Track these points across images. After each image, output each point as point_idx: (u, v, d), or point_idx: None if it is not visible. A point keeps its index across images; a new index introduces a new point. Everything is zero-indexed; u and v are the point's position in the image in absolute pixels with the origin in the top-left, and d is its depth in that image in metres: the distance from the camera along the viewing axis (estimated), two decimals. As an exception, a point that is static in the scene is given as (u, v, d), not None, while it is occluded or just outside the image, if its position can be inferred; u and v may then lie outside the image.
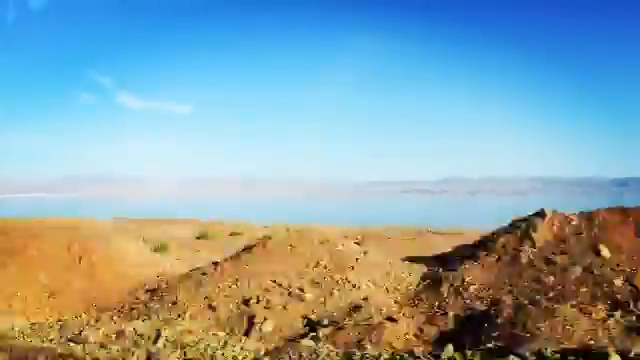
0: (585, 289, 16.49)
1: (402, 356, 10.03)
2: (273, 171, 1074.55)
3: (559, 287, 17.16)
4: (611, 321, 13.05)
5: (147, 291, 21.52)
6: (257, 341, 14.64)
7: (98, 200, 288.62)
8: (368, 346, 12.77)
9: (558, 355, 8.80)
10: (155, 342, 13.31)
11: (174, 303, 18.54)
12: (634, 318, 13.39)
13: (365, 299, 18.09)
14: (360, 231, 44.03)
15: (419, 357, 10.09)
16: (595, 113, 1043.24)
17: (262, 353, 12.52)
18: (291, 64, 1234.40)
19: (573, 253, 19.44)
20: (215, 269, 21.99)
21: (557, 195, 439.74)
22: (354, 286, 19.38)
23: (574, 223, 21.60)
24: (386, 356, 10.34)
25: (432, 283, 19.91)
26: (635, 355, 8.63)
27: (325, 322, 15.88)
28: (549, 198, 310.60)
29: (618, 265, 17.81)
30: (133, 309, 19.02)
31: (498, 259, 20.63)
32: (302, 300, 18.34)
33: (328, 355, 11.36)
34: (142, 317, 17.32)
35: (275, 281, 19.57)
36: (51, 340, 13.77)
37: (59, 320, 17.79)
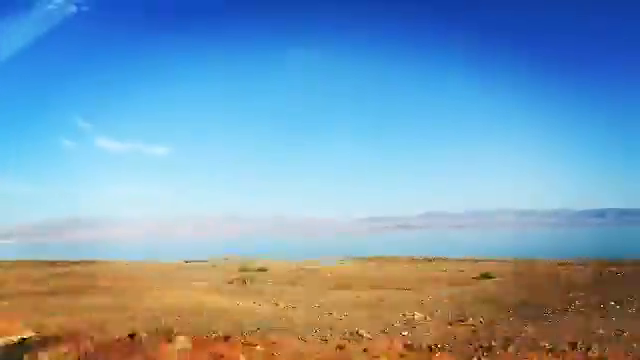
0: None
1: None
2: (254, 209, 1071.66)
3: None
4: None
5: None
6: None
7: (82, 244, 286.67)
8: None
9: None
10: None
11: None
12: None
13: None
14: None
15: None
16: (565, 146, 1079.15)
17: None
18: (270, 105, 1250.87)
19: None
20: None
21: (534, 227, 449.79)
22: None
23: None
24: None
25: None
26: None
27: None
28: (529, 230, 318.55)
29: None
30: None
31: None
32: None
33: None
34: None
35: None
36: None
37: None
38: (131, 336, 11.81)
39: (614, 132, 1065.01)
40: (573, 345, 11.75)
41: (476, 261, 46.03)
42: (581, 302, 18.03)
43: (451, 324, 15.66)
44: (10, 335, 12.59)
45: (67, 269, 41.15)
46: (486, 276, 30.19)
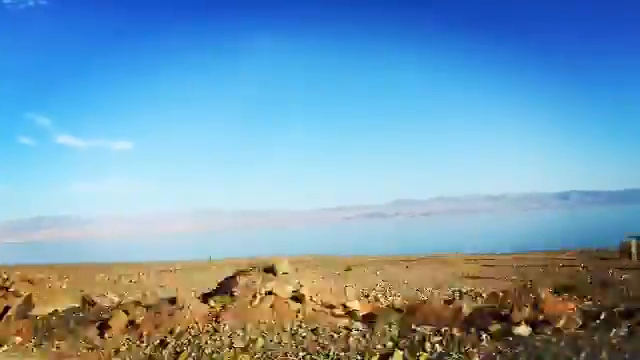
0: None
1: None
2: (225, 203, 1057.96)
3: None
4: None
5: None
6: None
7: (46, 245, 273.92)
8: None
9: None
10: None
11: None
12: None
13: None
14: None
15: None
16: (535, 127, 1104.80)
17: None
18: (233, 97, 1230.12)
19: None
20: None
21: (507, 212, 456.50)
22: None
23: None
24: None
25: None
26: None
27: None
28: (501, 216, 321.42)
29: None
30: None
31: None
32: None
33: None
34: None
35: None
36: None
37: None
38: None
39: (583, 117, 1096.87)
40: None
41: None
42: None
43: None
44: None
45: None
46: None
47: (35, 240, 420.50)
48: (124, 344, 9.76)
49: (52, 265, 44.89)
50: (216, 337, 9.38)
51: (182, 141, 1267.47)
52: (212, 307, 10.75)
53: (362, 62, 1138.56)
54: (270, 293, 11.03)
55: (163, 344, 9.38)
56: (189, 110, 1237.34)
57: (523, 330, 8.00)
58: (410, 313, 9.81)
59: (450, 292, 18.02)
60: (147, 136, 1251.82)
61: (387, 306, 12.99)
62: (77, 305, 13.98)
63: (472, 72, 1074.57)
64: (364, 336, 8.91)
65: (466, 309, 9.30)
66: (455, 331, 8.37)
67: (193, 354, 8.81)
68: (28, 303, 13.43)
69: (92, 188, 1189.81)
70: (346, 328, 9.45)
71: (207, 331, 9.70)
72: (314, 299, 11.37)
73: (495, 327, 8.23)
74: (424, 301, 12.42)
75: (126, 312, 10.98)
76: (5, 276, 14.84)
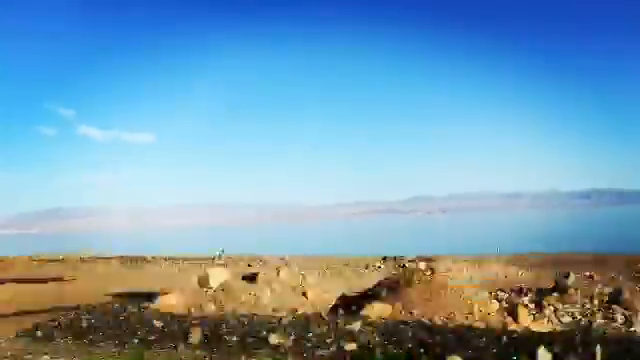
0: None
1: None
2: (242, 197, 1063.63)
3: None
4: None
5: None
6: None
7: (64, 236, 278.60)
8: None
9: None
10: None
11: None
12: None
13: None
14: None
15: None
16: (548, 127, 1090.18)
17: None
18: (251, 93, 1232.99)
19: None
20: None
21: (522, 210, 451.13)
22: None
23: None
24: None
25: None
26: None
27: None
28: (516, 214, 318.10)
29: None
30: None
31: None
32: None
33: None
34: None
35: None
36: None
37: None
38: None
39: (600, 113, 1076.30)
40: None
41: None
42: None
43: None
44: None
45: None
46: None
47: (54, 231, 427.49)
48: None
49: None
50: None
51: (202, 135, 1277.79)
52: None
53: (378, 61, 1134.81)
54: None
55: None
56: (209, 105, 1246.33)
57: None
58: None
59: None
60: (169, 129, 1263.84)
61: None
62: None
63: (489, 69, 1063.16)
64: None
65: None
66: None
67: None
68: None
69: (112, 179, 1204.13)
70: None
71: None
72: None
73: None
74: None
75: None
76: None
